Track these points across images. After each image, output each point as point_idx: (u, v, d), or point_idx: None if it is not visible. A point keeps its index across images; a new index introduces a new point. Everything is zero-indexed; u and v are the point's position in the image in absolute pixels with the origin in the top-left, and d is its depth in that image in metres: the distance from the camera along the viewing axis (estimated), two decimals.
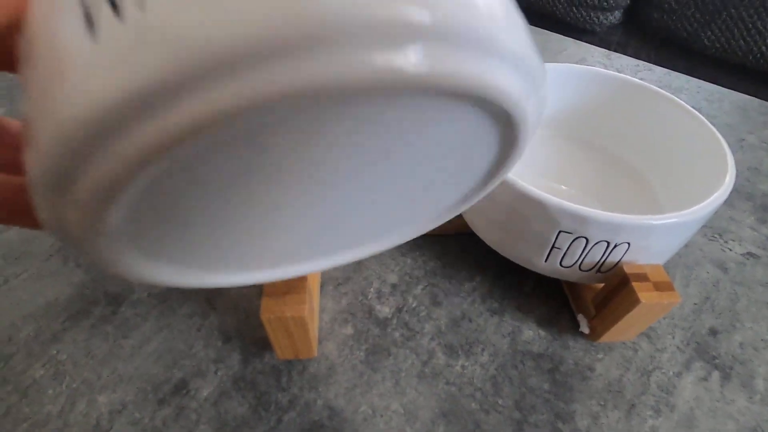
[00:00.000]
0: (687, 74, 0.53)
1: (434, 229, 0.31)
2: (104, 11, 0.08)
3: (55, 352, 0.25)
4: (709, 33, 0.95)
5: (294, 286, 0.21)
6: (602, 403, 0.24)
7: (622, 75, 0.31)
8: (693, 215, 0.21)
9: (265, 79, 0.07)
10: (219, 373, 0.24)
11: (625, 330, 0.24)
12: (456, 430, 0.22)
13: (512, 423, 0.23)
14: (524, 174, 0.31)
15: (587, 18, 1.07)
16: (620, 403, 0.24)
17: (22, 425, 0.22)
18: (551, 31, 0.61)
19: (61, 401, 0.23)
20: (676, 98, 0.29)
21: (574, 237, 0.22)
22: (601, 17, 1.06)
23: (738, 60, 0.94)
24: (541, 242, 0.23)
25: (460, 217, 0.29)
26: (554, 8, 1.09)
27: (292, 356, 0.24)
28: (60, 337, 0.25)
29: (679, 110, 0.28)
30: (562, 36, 0.59)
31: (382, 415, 0.23)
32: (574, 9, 1.07)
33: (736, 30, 0.92)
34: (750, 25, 0.89)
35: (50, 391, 0.23)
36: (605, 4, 1.04)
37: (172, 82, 0.07)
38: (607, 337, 0.25)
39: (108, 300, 0.27)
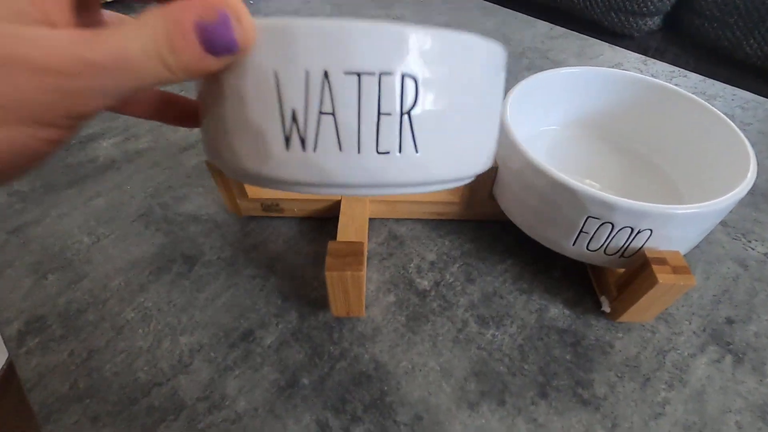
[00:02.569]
0: (726, 83, 0.54)
1: (471, 214, 0.34)
2: (295, 141, 0.14)
3: (142, 299, 0.29)
4: (752, 41, 0.94)
5: (354, 250, 0.24)
6: (619, 375, 0.26)
7: (652, 79, 0.33)
8: (711, 207, 0.23)
9: None
10: (279, 326, 0.28)
11: (644, 310, 0.26)
12: (486, 388, 0.25)
13: (537, 385, 0.26)
14: (557, 169, 0.33)
15: (625, 23, 1.07)
16: (636, 376, 0.26)
17: (120, 356, 0.26)
18: (587, 35, 0.62)
19: (149, 339, 0.27)
20: (704, 102, 0.31)
21: (601, 222, 0.25)
22: (640, 22, 1.06)
23: None
24: (570, 226, 0.26)
25: (495, 204, 0.32)
26: (592, 12, 1.09)
27: (344, 313, 0.27)
28: (145, 288, 0.29)
29: (707, 114, 0.30)
30: (598, 41, 0.60)
31: (420, 370, 0.26)
32: (612, 14, 1.07)
33: None
34: None
35: (140, 330, 0.27)
36: (644, 9, 1.03)
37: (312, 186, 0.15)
38: (626, 317, 0.27)
39: (184, 259, 0.31)
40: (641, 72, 0.54)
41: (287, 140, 0.14)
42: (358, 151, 0.14)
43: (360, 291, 0.25)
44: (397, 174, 0.15)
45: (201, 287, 0.30)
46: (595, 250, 0.26)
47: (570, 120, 0.36)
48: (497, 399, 0.25)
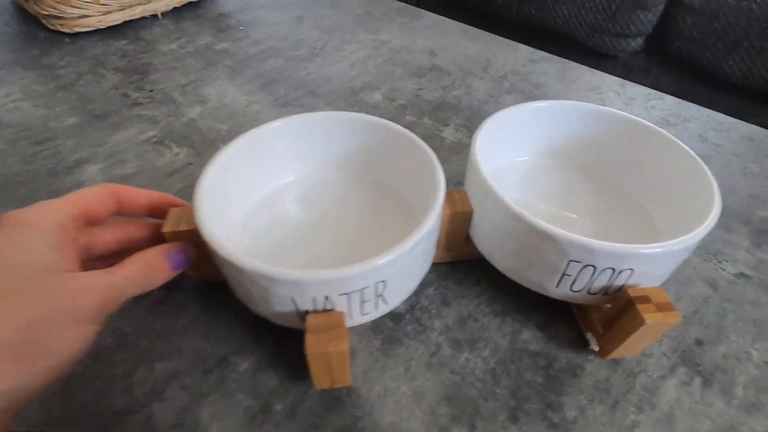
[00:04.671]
0: (709, 102, 0.55)
1: (450, 257, 0.34)
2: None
3: (120, 325, 0.29)
4: (731, 62, 0.96)
5: (334, 322, 0.23)
6: (590, 398, 0.27)
7: (618, 111, 0.34)
8: (684, 243, 0.24)
9: None
10: (255, 352, 0.28)
11: (631, 347, 0.26)
12: (457, 412, 0.26)
13: (508, 409, 0.26)
14: (530, 199, 0.34)
15: (609, 44, 1.10)
16: (606, 399, 0.27)
17: (96, 383, 0.26)
18: (573, 56, 0.64)
19: (125, 365, 0.27)
20: (667, 133, 0.31)
21: (583, 265, 0.25)
22: (624, 44, 1.09)
23: (760, 88, 0.95)
24: (553, 270, 0.26)
25: (472, 245, 0.32)
26: (577, 34, 1.12)
27: (328, 386, 0.26)
28: (124, 314, 0.30)
29: (670, 144, 0.31)
30: (578, 64, 0.62)
31: (393, 395, 0.26)
32: (596, 35, 1.10)
33: (758, 59, 0.93)
34: None
35: (117, 357, 0.27)
36: (627, 30, 1.06)
37: None
38: (615, 354, 0.27)
39: (162, 285, 0.31)
40: (618, 95, 0.56)
41: (302, 319, 0.24)
42: (350, 317, 0.25)
43: (344, 363, 0.24)
44: (373, 316, 0.26)
45: (179, 313, 0.30)
46: (578, 291, 0.27)
47: (542, 150, 0.37)
48: (468, 424, 0.25)
